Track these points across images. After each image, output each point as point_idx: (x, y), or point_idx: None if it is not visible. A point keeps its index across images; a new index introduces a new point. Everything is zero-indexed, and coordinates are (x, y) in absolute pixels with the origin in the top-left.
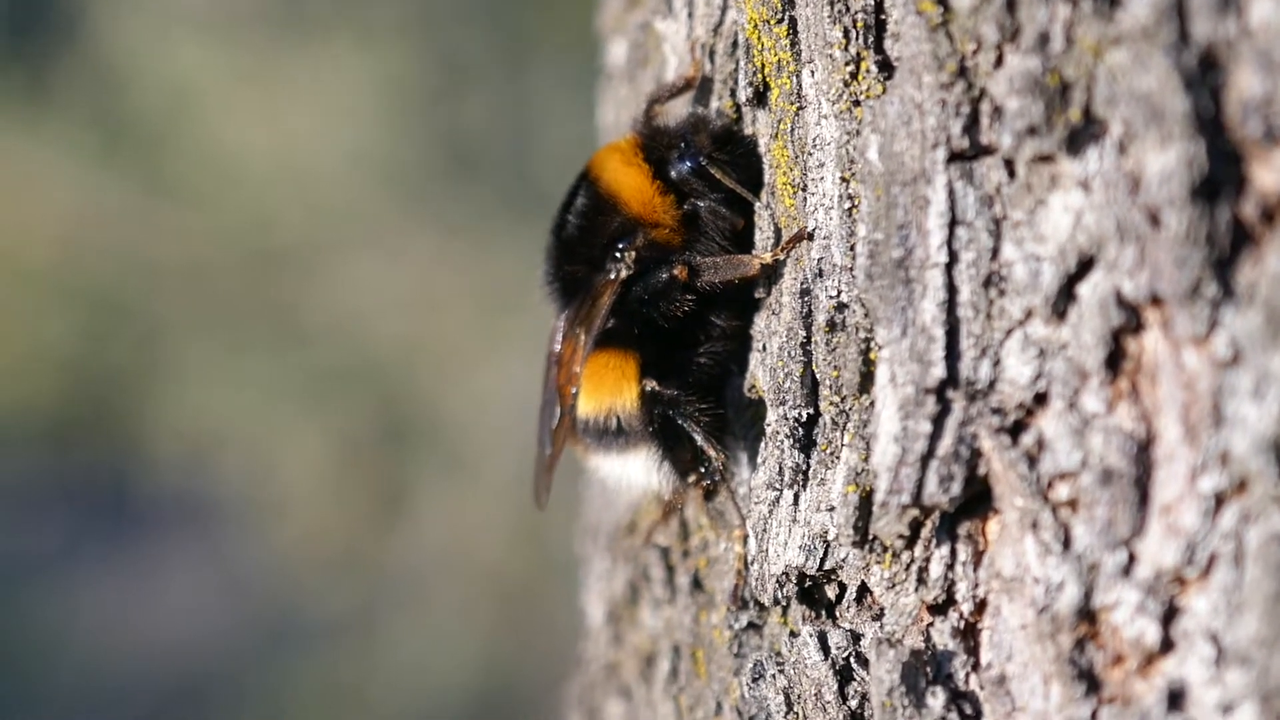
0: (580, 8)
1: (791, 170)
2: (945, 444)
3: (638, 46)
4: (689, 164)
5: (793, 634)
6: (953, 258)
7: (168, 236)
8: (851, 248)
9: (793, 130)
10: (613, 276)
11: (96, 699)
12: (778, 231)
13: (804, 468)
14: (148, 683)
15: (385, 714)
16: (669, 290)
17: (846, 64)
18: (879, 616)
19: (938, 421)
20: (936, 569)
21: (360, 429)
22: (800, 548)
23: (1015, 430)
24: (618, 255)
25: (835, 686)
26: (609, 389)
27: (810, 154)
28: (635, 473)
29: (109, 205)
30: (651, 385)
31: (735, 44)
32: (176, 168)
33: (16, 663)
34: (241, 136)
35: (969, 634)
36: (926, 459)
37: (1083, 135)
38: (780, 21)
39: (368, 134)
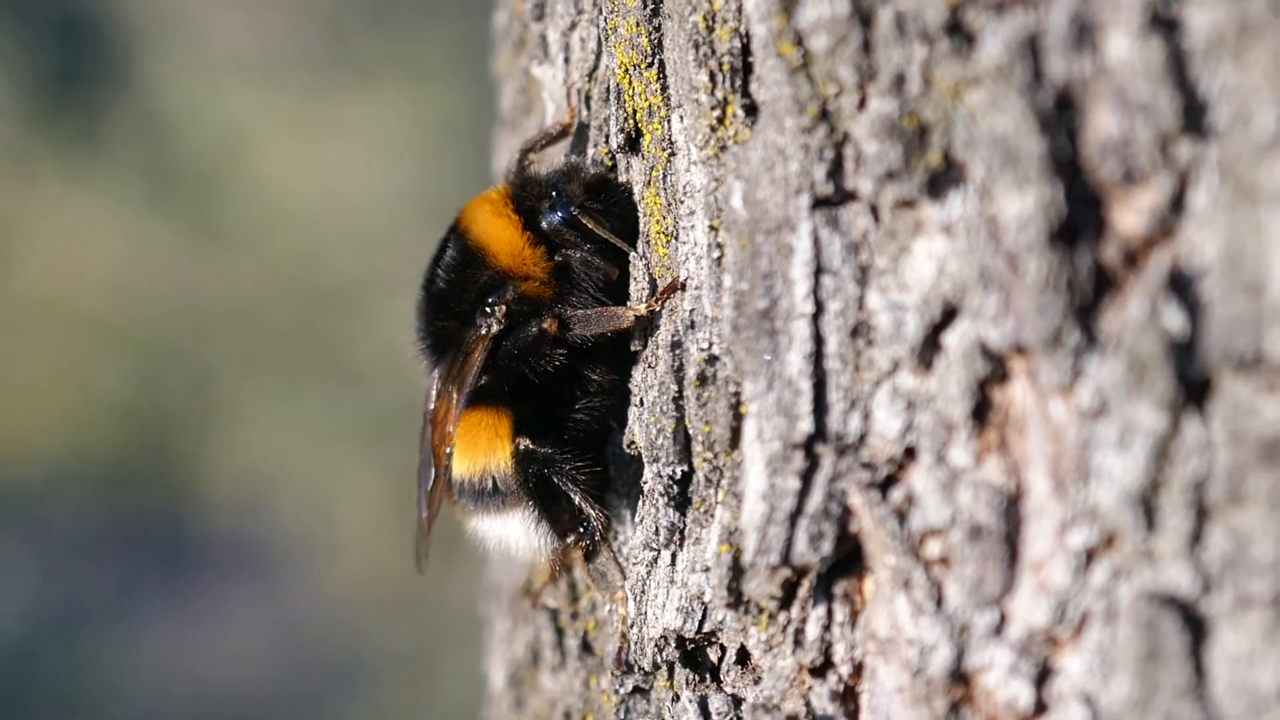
0: None
1: (665, 218)
2: (814, 501)
3: (522, 92)
4: (560, 214)
5: (675, 698)
6: (819, 307)
7: (219, 280)
8: (719, 298)
9: (665, 177)
10: (483, 332)
11: None
12: (652, 282)
13: (680, 527)
14: None
15: None
16: (539, 345)
17: (713, 108)
18: (760, 680)
19: (806, 478)
20: (813, 630)
21: (414, 469)
22: (678, 610)
23: (885, 485)
24: (488, 310)
25: None
26: (483, 448)
27: (682, 201)
28: (514, 533)
29: (160, 250)
30: (525, 444)
31: (609, 90)
32: (226, 211)
33: (76, 708)
34: (290, 178)
35: (848, 697)
36: (795, 517)
37: (944, 179)
38: (650, 65)
39: (416, 173)
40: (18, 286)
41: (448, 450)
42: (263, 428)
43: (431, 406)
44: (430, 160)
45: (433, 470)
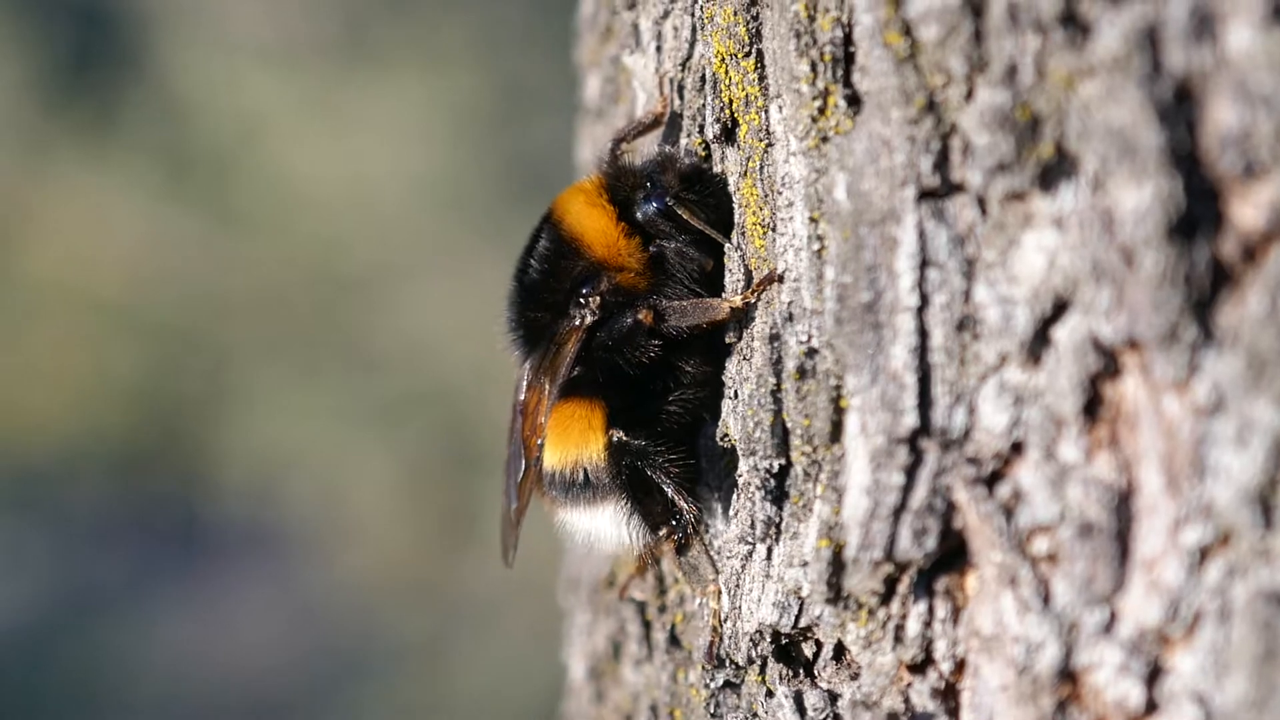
0: None
1: (761, 210)
2: (918, 496)
3: (610, 81)
4: (655, 205)
5: (769, 694)
6: (924, 301)
7: (235, 265)
8: (821, 290)
9: (762, 168)
10: (577, 323)
11: None
12: (748, 273)
13: (776, 521)
14: (220, 710)
15: None
16: (634, 336)
17: (814, 98)
18: (857, 676)
19: (910, 473)
20: (914, 627)
21: (430, 454)
22: (774, 605)
23: (991, 481)
24: (582, 301)
25: None
26: (575, 440)
27: (779, 192)
28: (604, 526)
29: (177, 235)
30: (619, 435)
31: (703, 78)
32: (243, 197)
33: (89, 693)
34: (308, 164)
35: (949, 695)
36: (899, 512)
37: (1055, 171)
38: (748, 55)
39: (435, 159)
40: (34, 270)
41: (539, 442)
42: (278, 413)
43: (522, 398)
44: (449, 148)
45: (523, 462)
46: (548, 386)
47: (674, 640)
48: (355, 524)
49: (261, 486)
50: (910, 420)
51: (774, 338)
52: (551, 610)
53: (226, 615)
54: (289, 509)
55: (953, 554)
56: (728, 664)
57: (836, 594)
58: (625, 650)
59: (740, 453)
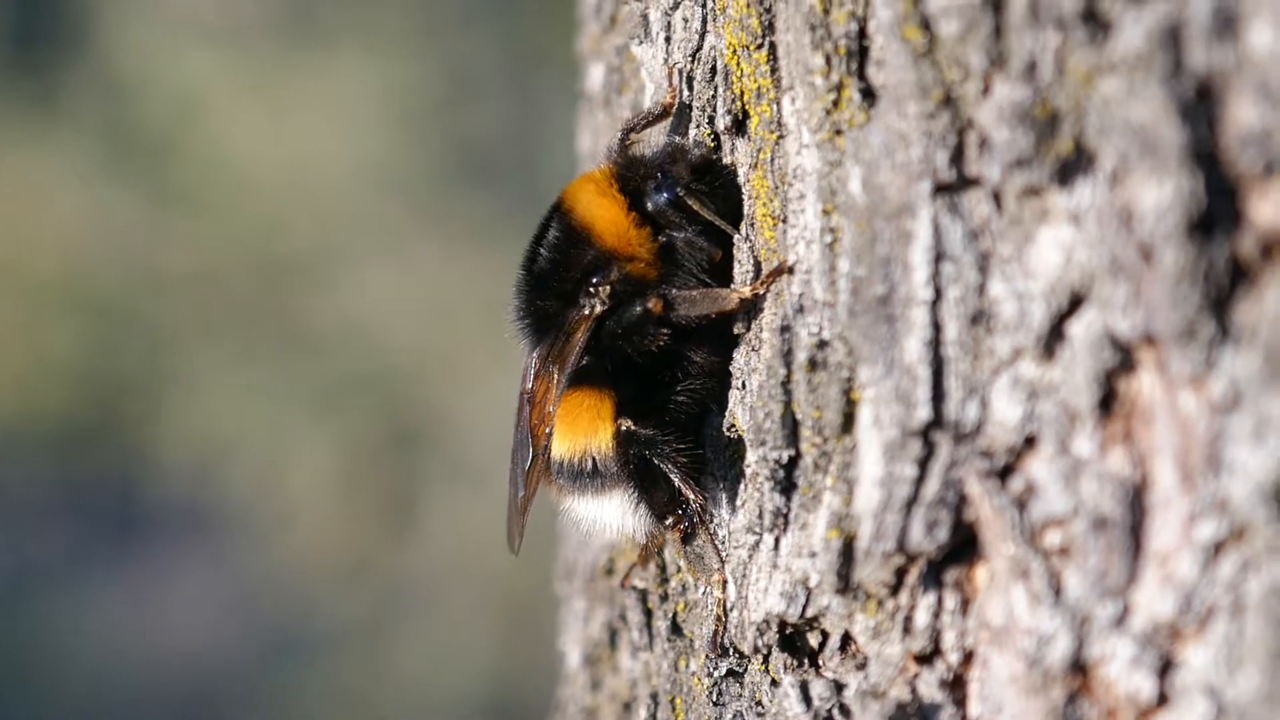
0: None
1: (771, 201)
2: (931, 488)
3: (614, 71)
4: (666, 195)
5: (774, 683)
6: (938, 294)
7: (175, 246)
8: (833, 283)
9: (773, 160)
10: (586, 312)
11: (104, 708)
12: (757, 265)
13: (785, 511)
14: (156, 692)
15: None
16: (644, 325)
17: (828, 91)
18: (863, 666)
19: (923, 465)
20: (923, 618)
21: (369, 437)
22: (781, 594)
23: (1004, 474)
24: (591, 290)
25: None
26: (584, 429)
27: (791, 184)
28: (610, 515)
29: (116, 215)
30: (627, 425)
31: (714, 70)
32: (184, 177)
33: (24, 672)
34: (249, 145)
35: (957, 685)
36: (911, 504)
37: (1073, 167)
38: (760, 47)
39: (376, 142)
40: None
41: (547, 430)
42: (216, 394)
43: (529, 386)
44: (391, 130)
45: (530, 450)
46: (556, 375)
47: (676, 629)
48: (293, 506)
49: (199, 468)
50: (923, 413)
51: (784, 329)
52: (488, 594)
53: (163, 597)
54: (227, 490)
55: (962, 545)
56: (731, 653)
57: (846, 584)
58: (623, 638)
59: (749, 443)
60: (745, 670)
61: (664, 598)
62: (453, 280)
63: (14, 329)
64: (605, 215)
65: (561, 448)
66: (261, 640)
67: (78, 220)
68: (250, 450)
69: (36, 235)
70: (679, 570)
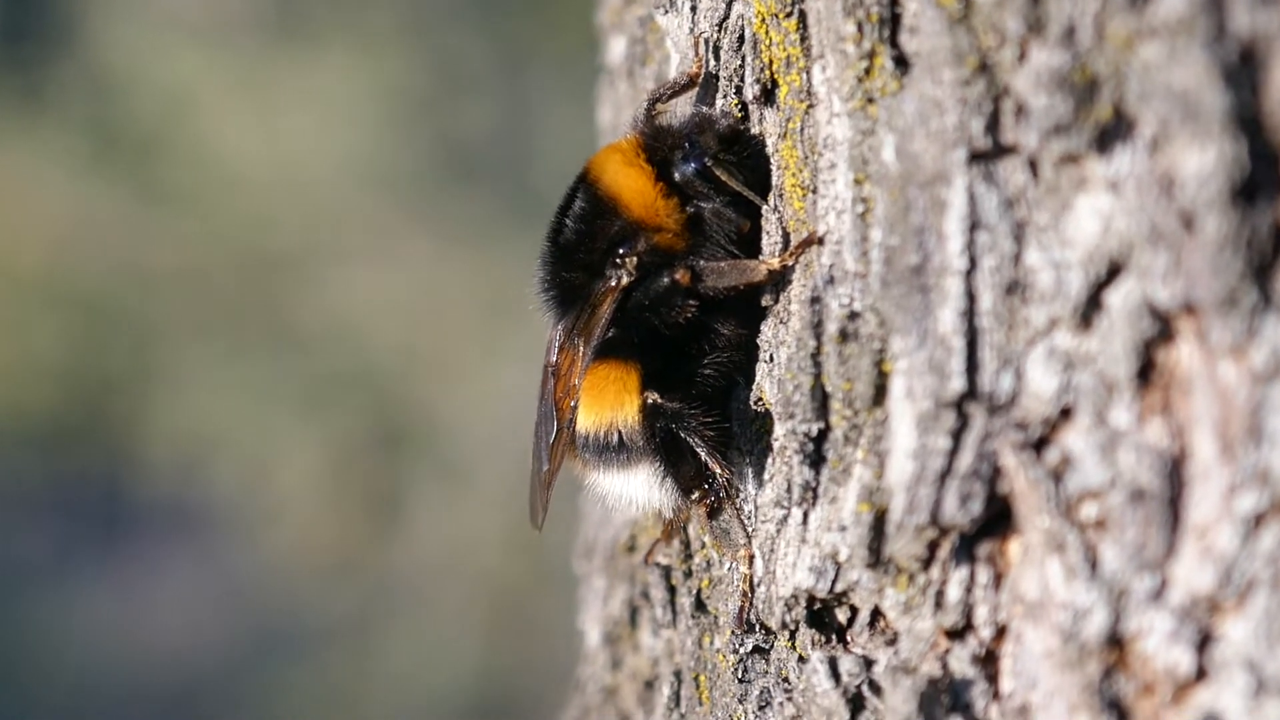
0: (578, 15)
1: (801, 171)
2: (965, 461)
3: (637, 42)
4: (694, 165)
5: (801, 660)
6: (972, 264)
7: (162, 242)
8: (865, 253)
9: (802, 129)
10: (613, 283)
11: (91, 705)
12: (786, 236)
13: (814, 485)
14: (142, 689)
15: None
16: (671, 296)
17: (860, 59)
18: (892, 641)
19: (957, 437)
20: (955, 592)
21: (356, 435)
22: (810, 569)
23: (1039, 446)
24: (618, 261)
25: (847, 715)
26: (610, 402)
27: (821, 154)
28: (636, 490)
29: (103, 211)
30: (654, 398)
31: (741, 39)
32: (171, 174)
33: (10, 669)
34: (237, 142)
35: (989, 661)
36: (945, 476)
37: (1112, 134)
38: (789, 15)
39: (365, 140)
40: None
41: (573, 404)
42: (203, 391)
43: (553, 359)
44: (379, 128)
45: (555, 424)
46: (582, 348)
47: (700, 605)
48: (280, 504)
49: (186, 465)
50: (958, 384)
51: (815, 300)
52: (475, 592)
53: (149, 594)
54: (214, 488)
55: (995, 519)
56: (758, 629)
57: (876, 559)
58: (643, 615)
59: (777, 416)
60: (772, 647)
61: (688, 574)
62: (441, 278)
63: (0, 325)
64: (632, 185)
65: (587, 421)
66: (248, 638)
67: (64, 216)
68: (237, 447)
69: (23, 231)
70: (703, 546)
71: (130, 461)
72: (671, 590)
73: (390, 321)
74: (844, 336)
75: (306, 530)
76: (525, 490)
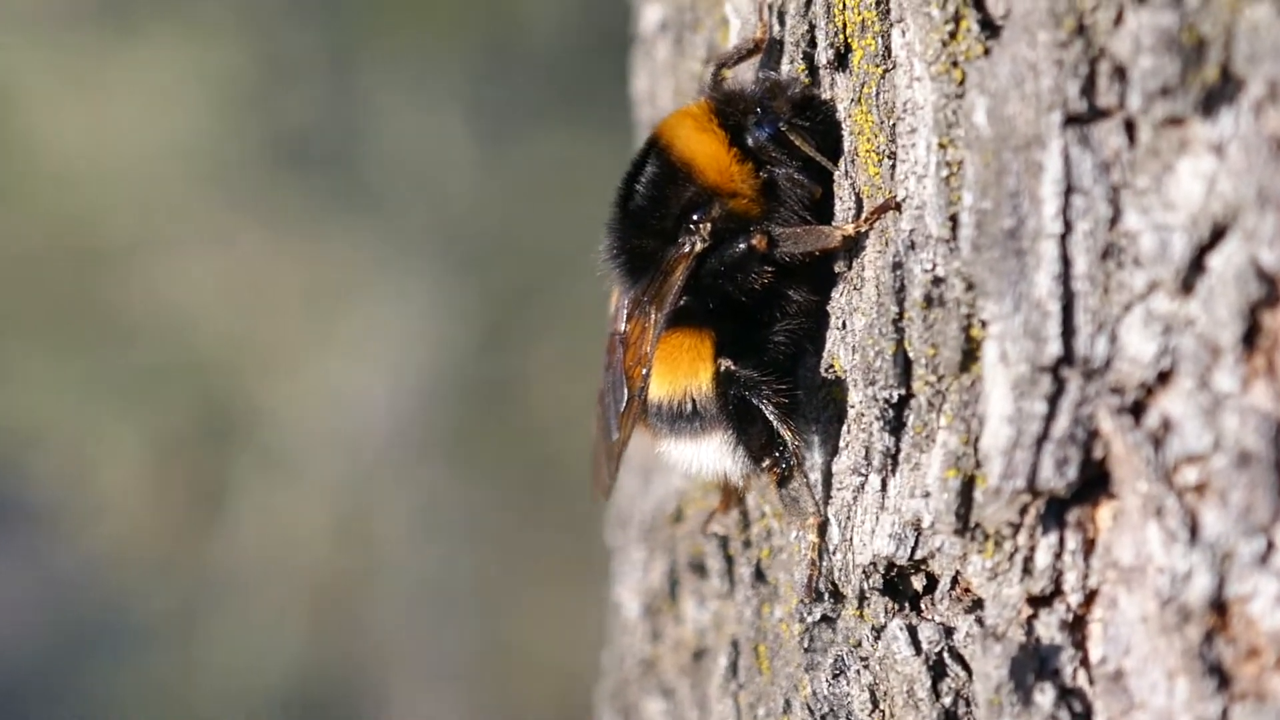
0: (407, 12)
1: (876, 136)
2: (1061, 425)
3: (683, 10)
4: (768, 130)
5: (874, 628)
6: (1068, 227)
7: None
8: (950, 218)
9: (878, 94)
10: (687, 250)
11: None
12: (859, 201)
13: (894, 452)
14: None
15: (203, 717)
16: (747, 262)
17: (945, 23)
18: (971, 609)
19: (1053, 401)
20: (1043, 558)
21: (180, 428)
22: (890, 536)
23: (1136, 411)
24: (692, 227)
25: (928, 683)
26: (684, 370)
27: (900, 119)
28: (708, 457)
29: None
30: (727, 365)
31: (808, 4)
32: None
33: None
34: (61, 133)
35: (1077, 626)
36: (1042, 441)
37: (1218, 96)
38: None
39: (192, 129)
40: None
41: (644, 372)
42: (23, 385)
43: (622, 328)
44: (206, 116)
45: (625, 392)
46: (654, 315)
47: (759, 575)
48: (101, 498)
49: (4, 458)
50: (1054, 348)
51: (896, 266)
52: (300, 587)
53: None
54: (34, 482)
55: (1085, 486)
56: (826, 598)
57: (964, 524)
58: (684, 587)
59: (854, 383)
60: (839, 616)
61: (746, 544)
62: (270, 268)
63: None
64: (706, 150)
65: (660, 389)
66: (68, 633)
67: None
68: (58, 442)
69: None
70: (762, 516)
71: None
72: (729, 560)
73: (218, 312)
74: (929, 302)
75: (129, 525)
76: (354, 484)
